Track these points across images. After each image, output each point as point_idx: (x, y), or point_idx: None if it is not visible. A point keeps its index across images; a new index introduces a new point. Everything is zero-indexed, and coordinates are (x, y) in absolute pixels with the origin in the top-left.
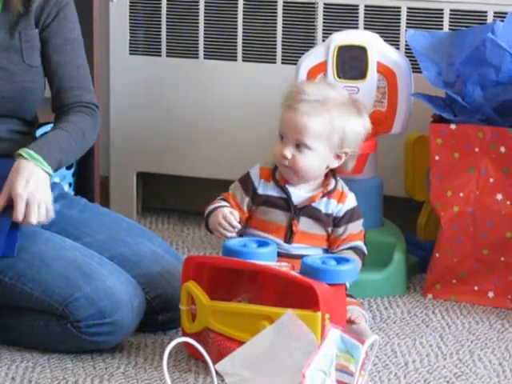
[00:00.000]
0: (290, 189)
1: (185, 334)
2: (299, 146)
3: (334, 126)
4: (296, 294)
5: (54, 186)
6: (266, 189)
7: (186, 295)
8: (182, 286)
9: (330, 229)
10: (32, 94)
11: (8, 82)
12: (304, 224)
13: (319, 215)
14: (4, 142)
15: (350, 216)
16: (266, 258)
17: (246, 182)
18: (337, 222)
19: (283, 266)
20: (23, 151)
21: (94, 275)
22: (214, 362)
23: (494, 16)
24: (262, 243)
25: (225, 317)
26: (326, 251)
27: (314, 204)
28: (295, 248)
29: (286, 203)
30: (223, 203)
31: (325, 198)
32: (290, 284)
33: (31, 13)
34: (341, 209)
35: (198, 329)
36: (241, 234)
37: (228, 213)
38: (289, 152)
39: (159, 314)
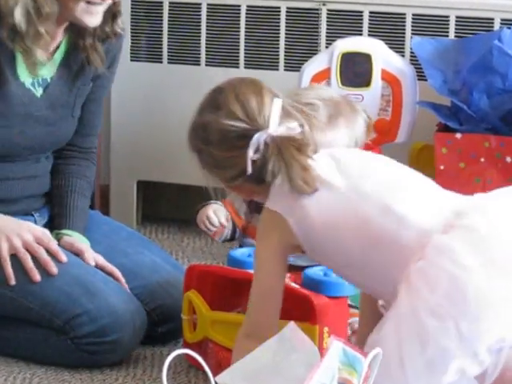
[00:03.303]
0: None
1: (186, 344)
2: None
3: (355, 134)
4: (296, 306)
5: None
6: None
7: (187, 304)
8: (184, 295)
9: None
10: (67, 140)
11: (53, 136)
12: None
13: None
14: (36, 178)
15: None
16: None
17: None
18: None
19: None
20: (74, 234)
21: (98, 293)
22: (213, 373)
23: (501, 23)
24: None
25: (223, 327)
26: None
27: None
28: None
29: None
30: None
31: None
32: (290, 296)
33: (91, 67)
34: None
35: (198, 338)
36: (232, 238)
37: (219, 207)
38: None
39: (159, 326)
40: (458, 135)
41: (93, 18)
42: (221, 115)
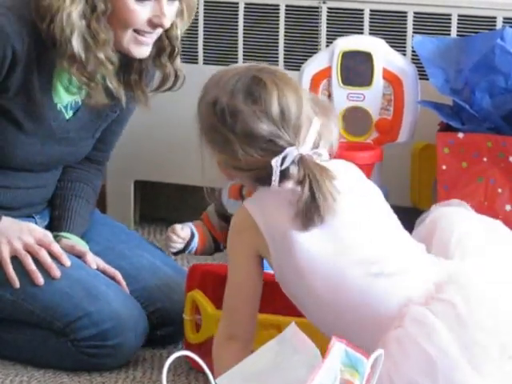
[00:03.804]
0: None
1: (188, 344)
2: None
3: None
4: None
5: None
6: (235, 207)
7: (190, 305)
8: (186, 295)
9: None
10: (85, 154)
11: (70, 155)
12: None
13: None
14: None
15: None
16: (267, 267)
17: (218, 203)
18: None
19: None
20: (73, 237)
21: (100, 296)
22: (216, 374)
23: (504, 22)
24: None
25: None
26: None
27: None
28: None
29: None
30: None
31: None
32: None
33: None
34: None
35: (202, 339)
36: (218, 250)
37: (177, 226)
38: None
39: (158, 330)
40: (460, 135)
41: (141, 49)
42: (257, 111)
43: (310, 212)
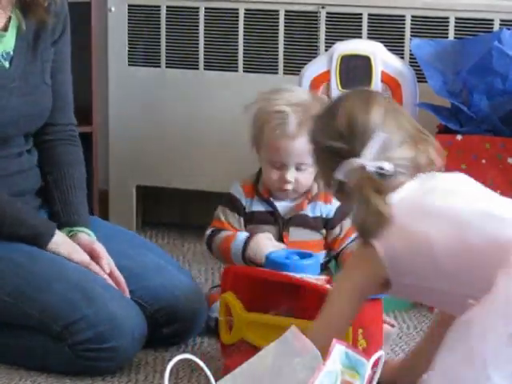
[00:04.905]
0: (275, 201)
1: (222, 345)
2: (299, 166)
3: None
4: None
5: None
6: (251, 205)
7: (224, 306)
8: (220, 296)
9: (323, 231)
10: (48, 111)
11: (33, 106)
12: (295, 234)
13: (307, 220)
14: (22, 174)
15: (342, 213)
16: (309, 271)
17: (235, 203)
18: (330, 223)
19: (319, 279)
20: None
21: (96, 298)
22: None
23: (501, 24)
24: (304, 255)
25: (260, 329)
26: (329, 254)
27: (300, 211)
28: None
29: (272, 217)
30: (239, 233)
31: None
32: (324, 297)
33: (47, 31)
34: (330, 209)
35: (234, 340)
36: None
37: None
38: (292, 177)
39: (163, 327)
40: (459, 137)
41: None
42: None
43: (365, 224)
